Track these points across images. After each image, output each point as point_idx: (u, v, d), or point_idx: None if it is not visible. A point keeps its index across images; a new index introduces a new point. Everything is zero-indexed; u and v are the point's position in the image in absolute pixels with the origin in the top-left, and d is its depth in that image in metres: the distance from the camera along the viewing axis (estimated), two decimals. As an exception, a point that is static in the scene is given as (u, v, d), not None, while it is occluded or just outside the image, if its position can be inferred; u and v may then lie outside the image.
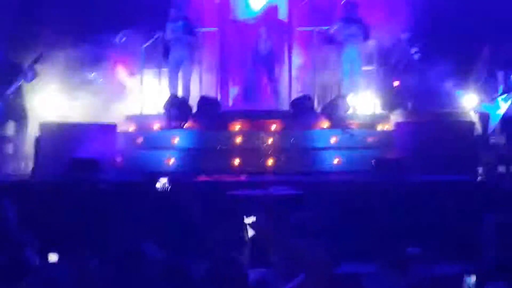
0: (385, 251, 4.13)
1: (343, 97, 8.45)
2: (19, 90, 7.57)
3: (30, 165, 6.97)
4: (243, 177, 6.83)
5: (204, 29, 9.39)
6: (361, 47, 8.89)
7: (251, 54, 9.19)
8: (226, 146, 7.49)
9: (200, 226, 5.14)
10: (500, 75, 7.95)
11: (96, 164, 6.53)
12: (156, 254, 2.72)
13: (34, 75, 7.55)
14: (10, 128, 7.69)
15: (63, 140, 6.95)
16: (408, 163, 6.61)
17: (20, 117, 7.61)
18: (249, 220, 3.34)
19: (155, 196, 5.88)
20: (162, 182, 5.83)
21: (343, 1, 9.02)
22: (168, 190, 5.41)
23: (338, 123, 7.97)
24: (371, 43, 9.26)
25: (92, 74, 8.69)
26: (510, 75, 7.91)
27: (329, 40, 9.11)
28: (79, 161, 6.52)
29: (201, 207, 5.29)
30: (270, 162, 7.36)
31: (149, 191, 5.89)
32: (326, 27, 9.17)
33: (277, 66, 9.35)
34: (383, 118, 8.48)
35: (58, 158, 6.55)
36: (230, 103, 9.33)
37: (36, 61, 7.49)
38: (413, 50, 8.91)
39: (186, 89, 8.58)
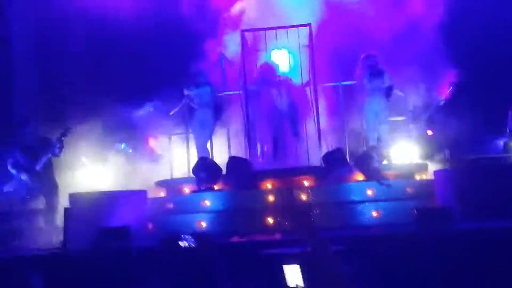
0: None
1: (376, 148, 8.23)
2: (48, 163, 7.60)
3: (59, 237, 6.84)
4: (277, 236, 6.55)
5: (227, 92, 9.47)
6: (386, 98, 8.78)
7: (274, 112, 9.17)
8: (259, 205, 7.26)
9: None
10: None
11: (127, 232, 6.37)
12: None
13: (62, 148, 7.60)
14: (41, 202, 7.64)
15: (93, 209, 6.84)
16: (452, 211, 6.26)
17: (50, 190, 7.59)
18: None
19: (187, 258, 5.64)
20: (186, 240, 5.58)
21: (363, 55, 8.97)
22: (193, 246, 5.15)
23: (373, 175, 7.71)
24: (399, 94, 9.16)
25: (122, 145, 8.74)
26: None
27: (354, 92, 9.06)
28: (109, 230, 6.38)
29: (235, 268, 5.02)
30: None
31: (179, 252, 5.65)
32: (350, 82, 9.16)
33: (303, 122, 9.27)
34: (421, 167, 8.19)
35: (89, 228, 6.39)
36: (260, 162, 9.18)
37: (64, 135, 7.56)
38: (449, 89, 8.73)
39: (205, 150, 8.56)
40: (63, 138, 7.55)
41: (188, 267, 5.44)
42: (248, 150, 8.98)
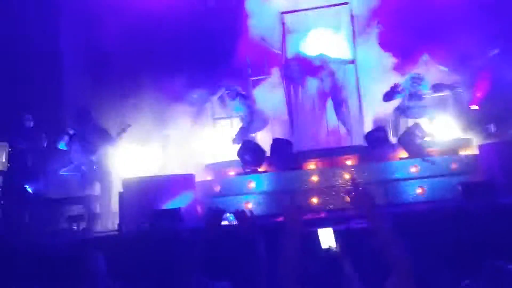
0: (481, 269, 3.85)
1: (419, 124, 8.19)
2: (103, 152, 7.96)
3: (116, 221, 7.19)
4: (322, 214, 6.69)
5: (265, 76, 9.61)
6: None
7: (316, 92, 9.23)
8: (304, 186, 7.39)
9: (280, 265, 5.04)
10: None
11: (177, 214, 6.66)
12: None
13: (118, 139, 7.94)
14: (97, 189, 8.03)
15: (145, 193, 7.14)
16: (497, 185, 6.23)
17: (104, 177, 7.95)
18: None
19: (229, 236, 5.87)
20: (228, 218, 5.77)
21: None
22: (236, 224, 5.35)
23: (417, 152, 7.70)
24: (442, 69, 9.06)
25: (168, 132, 9.04)
26: None
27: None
28: (160, 212, 6.68)
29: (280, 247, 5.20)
30: (349, 197, 7.14)
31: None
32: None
33: (344, 101, 9.29)
34: (465, 143, 8.12)
35: (142, 211, 6.73)
36: (303, 144, 9.29)
37: (123, 131, 7.89)
38: (495, 51, 8.54)
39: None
40: (121, 133, 7.88)
41: (229, 245, 5.67)
42: (292, 134, 9.13)
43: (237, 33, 10.13)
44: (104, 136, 7.89)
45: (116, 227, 7.02)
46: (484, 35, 8.97)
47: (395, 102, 8.83)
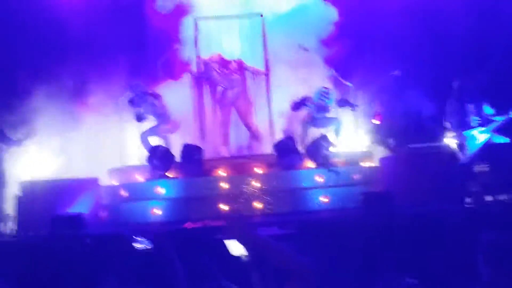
0: (382, 284, 4.05)
1: (325, 136, 8.50)
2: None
3: (11, 225, 6.76)
4: (229, 221, 6.70)
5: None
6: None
7: (223, 101, 9.30)
8: (212, 192, 7.40)
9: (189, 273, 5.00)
10: (471, 107, 8.06)
11: (79, 220, 6.40)
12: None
13: (13, 139, 7.45)
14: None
15: (45, 197, 6.81)
16: (394, 196, 6.62)
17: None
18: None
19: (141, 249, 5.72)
20: (140, 243, 5.66)
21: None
22: (150, 248, 5.25)
23: (323, 162, 7.99)
24: (347, 84, 9.50)
25: (70, 132, 8.65)
26: (482, 107, 8.02)
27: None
28: (62, 218, 6.38)
29: (188, 254, 5.16)
30: (258, 205, 7.29)
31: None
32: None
33: (254, 110, 9.45)
34: (367, 155, 8.54)
35: (41, 217, 6.39)
36: (212, 149, 9.30)
37: (26, 136, 7.43)
38: (395, 72, 9.09)
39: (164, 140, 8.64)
40: (23, 137, 7.41)
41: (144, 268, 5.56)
42: (200, 138, 9.09)
43: (146, 32, 9.97)
44: None
45: (13, 232, 6.60)
46: (389, 57, 9.55)
47: (303, 113, 9.12)
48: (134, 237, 5.55)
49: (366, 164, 8.27)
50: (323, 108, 8.90)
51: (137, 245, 5.66)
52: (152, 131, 8.62)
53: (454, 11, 9.79)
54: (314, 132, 8.97)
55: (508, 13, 9.27)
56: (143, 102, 8.56)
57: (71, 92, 9.01)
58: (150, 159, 7.91)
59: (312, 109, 8.90)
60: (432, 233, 5.75)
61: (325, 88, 9.01)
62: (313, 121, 8.93)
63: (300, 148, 8.44)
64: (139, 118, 8.47)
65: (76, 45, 9.76)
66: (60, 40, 9.74)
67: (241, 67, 9.58)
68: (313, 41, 9.94)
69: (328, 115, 8.97)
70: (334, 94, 9.05)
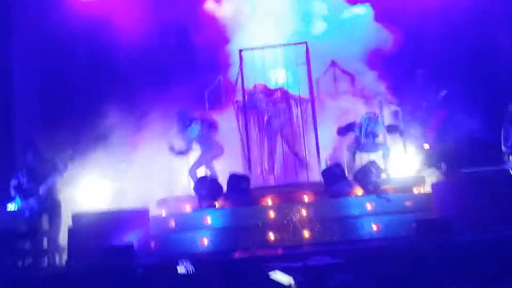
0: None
1: (374, 161, 8.34)
2: (52, 184, 7.66)
3: (65, 257, 6.89)
4: (279, 251, 6.62)
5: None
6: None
7: (270, 129, 9.31)
8: (260, 221, 7.34)
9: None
10: None
11: (130, 250, 6.47)
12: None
13: (67, 170, 7.65)
14: (45, 222, 7.70)
15: (96, 228, 6.89)
16: (450, 223, 6.36)
17: (53, 210, 7.64)
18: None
19: (191, 278, 5.71)
20: (183, 266, 5.66)
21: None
22: (192, 271, 5.24)
23: (372, 189, 7.81)
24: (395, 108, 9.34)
25: (123, 164, 8.83)
26: None
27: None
28: (113, 248, 6.47)
29: (239, 284, 5.10)
30: (306, 233, 7.17)
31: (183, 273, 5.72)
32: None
33: (300, 138, 9.39)
34: (418, 181, 8.29)
35: (92, 247, 6.48)
36: (259, 179, 9.26)
37: (71, 159, 7.63)
38: (442, 93, 8.86)
39: (210, 169, 8.66)
40: (68, 163, 7.60)
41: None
42: (247, 167, 9.08)
43: (194, 63, 10.18)
44: (52, 167, 7.60)
45: (64, 263, 6.72)
46: (435, 77, 9.37)
47: (349, 139, 8.99)
48: (179, 261, 5.55)
49: (418, 190, 8.03)
50: (370, 133, 8.75)
51: (181, 269, 5.66)
52: (199, 161, 8.70)
53: (510, 25, 9.55)
54: (363, 159, 8.84)
55: None
56: (188, 127, 8.67)
57: (126, 123, 9.22)
58: (197, 189, 7.97)
59: (359, 134, 8.77)
60: (491, 261, 5.48)
61: (373, 113, 8.88)
62: (360, 146, 8.79)
63: (348, 175, 8.30)
64: (180, 152, 8.60)
65: (130, 77, 10.09)
66: (118, 73, 10.09)
67: (285, 95, 9.60)
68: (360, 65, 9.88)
69: (377, 140, 8.81)
70: (381, 120, 8.89)
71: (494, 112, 8.74)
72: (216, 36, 10.38)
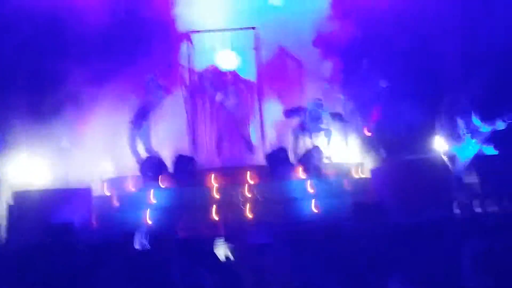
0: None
1: (318, 147, 8.58)
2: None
3: (3, 234, 6.75)
4: (221, 231, 6.74)
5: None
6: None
7: (220, 112, 9.36)
8: (204, 202, 7.42)
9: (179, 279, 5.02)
10: (461, 120, 8.27)
11: (70, 228, 6.42)
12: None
13: (3, 145, 7.45)
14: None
15: (38, 207, 6.80)
16: (384, 207, 6.67)
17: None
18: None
19: (133, 256, 5.73)
20: (139, 240, 5.68)
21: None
22: (147, 247, 5.29)
23: (314, 173, 8.04)
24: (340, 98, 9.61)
25: (63, 142, 8.66)
26: (471, 120, 8.19)
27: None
28: (53, 226, 6.40)
29: (179, 262, 5.18)
30: (249, 214, 7.32)
31: (127, 250, 5.74)
32: None
33: (247, 122, 9.51)
34: (358, 166, 8.59)
35: (33, 225, 6.39)
36: (205, 160, 9.33)
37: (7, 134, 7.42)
38: (383, 83, 9.18)
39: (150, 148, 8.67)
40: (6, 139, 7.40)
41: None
42: (194, 149, 9.13)
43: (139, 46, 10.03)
44: None
45: (3, 240, 6.58)
46: (381, 70, 9.67)
47: (294, 124, 9.19)
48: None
49: (357, 174, 8.33)
50: (316, 118, 8.96)
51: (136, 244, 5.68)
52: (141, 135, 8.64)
53: (446, 25, 9.96)
54: (307, 143, 9.05)
55: (496, 28, 9.43)
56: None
57: (68, 101, 9.01)
58: (144, 170, 7.96)
59: (305, 118, 8.96)
60: (422, 243, 5.78)
61: (319, 99, 9.10)
62: (305, 129, 8.98)
63: (292, 159, 8.50)
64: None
65: (76, 56, 9.80)
66: (65, 51, 9.77)
67: (236, 79, 9.67)
68: (306, 52, 10.04)
69: (320, 125, 9.05)
70: (326, 106, 9.14)
71: (431, 102, 9.13)
72: (166, 16, 10.23)
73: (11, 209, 6.83)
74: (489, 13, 9.69)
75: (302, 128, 8.98)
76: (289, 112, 9.05)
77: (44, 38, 9.86)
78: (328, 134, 8.97)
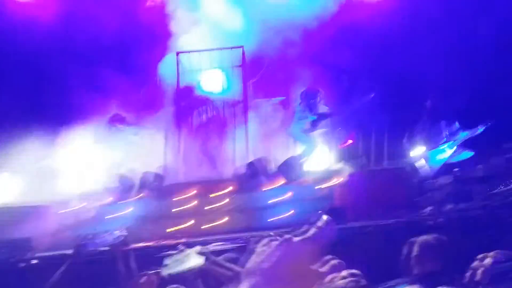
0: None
1: (297, 156, 8.45)
2: None
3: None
4: (183, 240, 6.49)
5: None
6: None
7: (200, 127, 9.40)
8: (173, 214, 7.25)
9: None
10: (443, 125, 8.31)
11: (27, 244, 6.31)
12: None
13: None
14: None
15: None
16: (352, 210, 6.79)
17: None
18: None
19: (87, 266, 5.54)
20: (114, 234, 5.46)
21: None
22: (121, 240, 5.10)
23: (293, 180, 7.92)
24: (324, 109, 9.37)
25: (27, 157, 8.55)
26: (452, 125, 8.25)
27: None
28: (9, 241, 6.29)
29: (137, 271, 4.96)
30: (221, 222, 7.26)
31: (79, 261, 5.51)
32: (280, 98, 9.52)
33: (228, 135, 9.37)
34: (337, 172, 8.31)
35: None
36: (183, 174, 9.11)
37: None
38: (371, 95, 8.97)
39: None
40: None
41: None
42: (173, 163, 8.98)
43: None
44: None
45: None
46: (360, 78, 9.49)
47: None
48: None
49: (335, 181, 8.07)
50: (309, 110, 8.74)
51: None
52: None
53: (427, 32, 9.78)
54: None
55: (480, 35, 9.24)
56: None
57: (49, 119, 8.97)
58: (113, 185, 7.85)
59: (300, 109, 8.80)
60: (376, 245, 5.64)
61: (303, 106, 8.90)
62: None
63: (270, 169, 8.29)
64: None
65: (62, 74, 9.83)
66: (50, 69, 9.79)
67: (218, 99, 9.58)
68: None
69: (304, 134, 8.79)
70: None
71: (412, 109, 8.94)
72: (154, 37, 10.18)
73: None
74: (472, 18, 9.52)
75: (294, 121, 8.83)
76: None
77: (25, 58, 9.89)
78: (310, 143, 8.71)
